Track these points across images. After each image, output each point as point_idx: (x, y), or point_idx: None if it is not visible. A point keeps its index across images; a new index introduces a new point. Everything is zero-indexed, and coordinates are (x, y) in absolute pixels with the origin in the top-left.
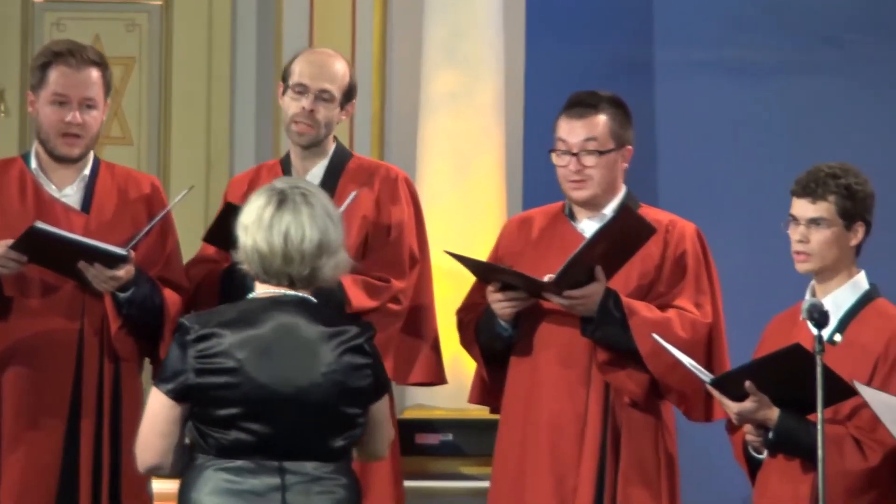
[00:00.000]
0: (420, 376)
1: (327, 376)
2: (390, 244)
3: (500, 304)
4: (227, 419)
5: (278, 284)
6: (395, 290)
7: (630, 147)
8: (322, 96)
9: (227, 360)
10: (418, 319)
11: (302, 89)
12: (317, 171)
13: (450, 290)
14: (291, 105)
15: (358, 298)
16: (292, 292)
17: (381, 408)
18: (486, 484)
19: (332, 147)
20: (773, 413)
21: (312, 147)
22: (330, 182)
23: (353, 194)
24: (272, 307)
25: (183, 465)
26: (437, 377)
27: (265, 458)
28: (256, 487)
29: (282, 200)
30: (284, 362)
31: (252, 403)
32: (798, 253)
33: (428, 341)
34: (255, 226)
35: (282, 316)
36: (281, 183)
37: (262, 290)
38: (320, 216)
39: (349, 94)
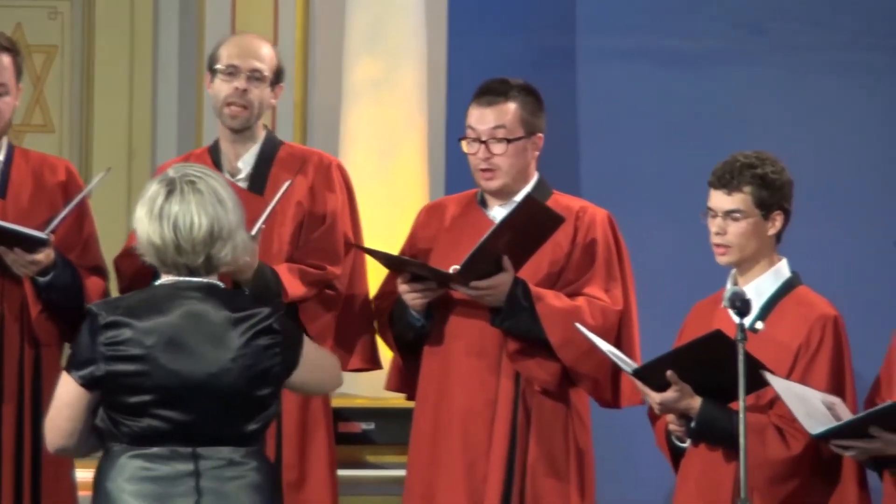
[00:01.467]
0: (359, 363)
1: (237, 361)
2: (325, 231)
3: (411, 295)
4: (138, 406)
5: (178, 274)
6: (331, 278)
7: (541, 135)
8: (254, 75)
9: (135, 347)
10: (354, 306)
11: (233, 70)
12: (248, 158)
13: (372, 277)
14: (223, 88)
15: (294, 287)
16: (197, 278)
17: (300, 373)
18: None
19: (262, 134)
20: (696, 402)
21: (244, 131)
22: (262, 170)
23: (286, 184)
24: (180, 294)
25: (91, 447)
26: (373, 363)
27: (178, 444)
28: (170, 474)
29: (170, 190)
30: (193, 349)
31: (163, 390)
32: (717, 245)
33: (364, 327)
34: (146, 218)
35: (190, 302)
36: (173, 171)
37: (167, 277)
38: (210, 202)
39: (278, 75)
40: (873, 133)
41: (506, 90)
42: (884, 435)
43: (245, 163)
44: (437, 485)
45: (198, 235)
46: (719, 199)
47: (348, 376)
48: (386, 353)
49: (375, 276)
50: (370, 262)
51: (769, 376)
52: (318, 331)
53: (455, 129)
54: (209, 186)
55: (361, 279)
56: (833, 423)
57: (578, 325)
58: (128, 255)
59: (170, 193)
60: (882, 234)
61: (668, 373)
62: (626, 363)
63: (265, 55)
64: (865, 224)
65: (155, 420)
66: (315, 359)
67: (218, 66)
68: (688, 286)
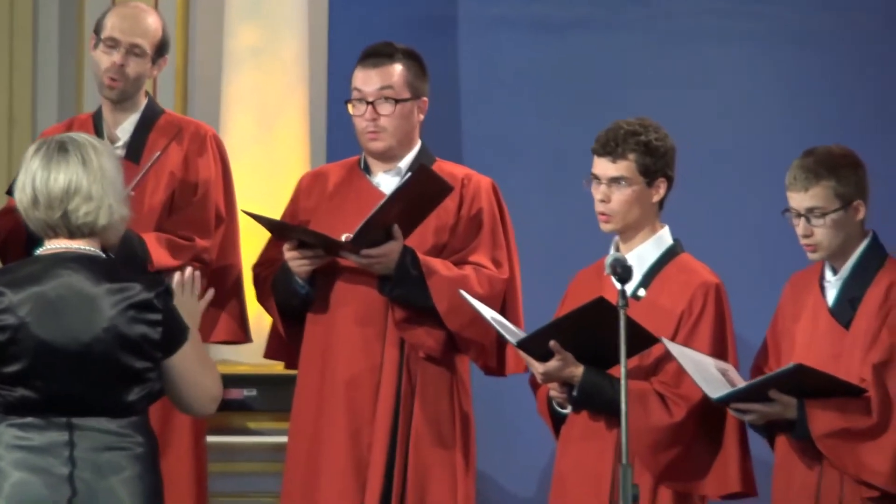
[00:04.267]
0: (222, 335)
1: (109, 331)
2: (196, 203)
3: (297, 261)
4: (11, 376)
5: (47, 236)
6: (199, 249)
7: (426, 99)
8: (133, 51)
9: (9, 316)
10: (223, 278)
11: (113, 43)
12: (127, 126)
13: (253, 247)
14: (103, 59)
15: (160, 257)
16: (76, 246)
17: (182, 362)
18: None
19: (143, 102)
20: (578, 370)
21: (123, 101)
22: (139, 138)
23: (156, 155)
24: (57, 263)
25: None
26: (240, 336)
27: (54, 414)
28: (44, 444)
29: (38, 148)
30: (67, 318)
31: (35, 360)
32: (601, 213)
33: (233, 300)
34: (21, 176)
35: (65, 272)
36: (55, 136)
37: (49, 245)
38: (73, 162)
39: (161, 49)
40: (753, 100)
41: (391, 52)
42: (783, 398)
43: (123, 131)
44: (321, 452)
45: (53, 189)
46: (603, 166)
47: (231, 345)
48: (264, 321)
49: (251, 248)
50: (244, 234)
51: (667, 342)
52: None
53: (336, 96)
54: (79, 148)
55: (233, 252)
56: (729, 388)
57: (465, 294)
58: (4, 213)
59: (37, 151)
60: (762, 200)
61: (552, 343)
62: (511, 332)
63: (148, 30)
64: (746, 190)
65: (28, 390)
66: (195, 364)
67: (101, 36)
68: (570, 253)
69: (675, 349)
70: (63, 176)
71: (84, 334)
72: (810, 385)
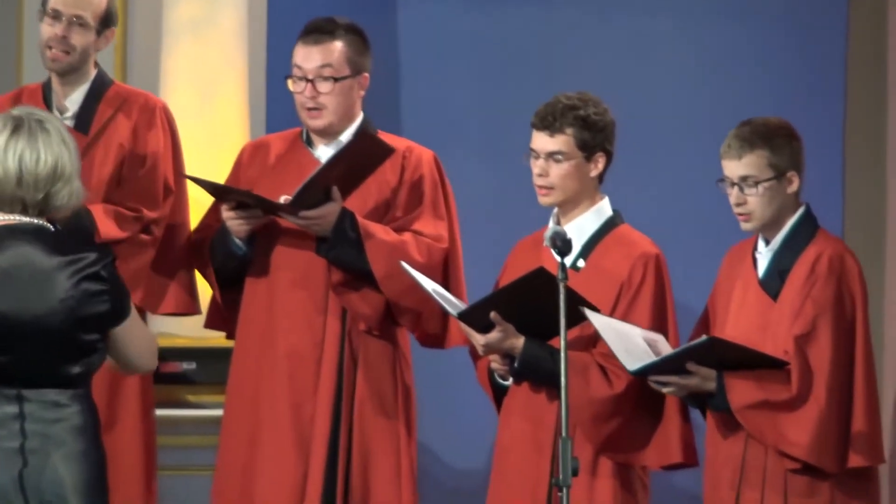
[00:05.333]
0: (171, 307)
1: (64, 303)
2: (144, 174)
3: (235, 221)
4: None
5: (11, 211)
6: (147, 221)
7: (367, 74)
8: (77, 21)
9: None
10: (172, 250)
11: (56, 14)
12: (76, 97)
13: (196, 219)
14: (46, 30)
15: (107, 228)
16: (27, 219)
17: (127, 328)
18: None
19: (93, 73)
20: (519, 342)
21: (70, 74)
22: (88, 109)
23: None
24: (8, 236)
25: None
26: (188, 308)
27: (4, 386)
28: None
29: (17, 126)
30: (20, 291)
31: None
32: (540, 187)
33: (182, 272)
34: None
35: (18, 245)
36: (18, 110)
37: (1, 217)
38: (56, 142)
39: (106, 20)
40: (691, 71)
41: (332, 29)
42: (700, 370)
43: (73, 102)
44: (262, 425)
45: (42, 171)
46: (542, 141)
47: (170, 317)
48: (206, 291)
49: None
50: (193, 207)
51: (589, 313)
52: (131, 273)
53: (276, 69)
54: (55, 127)
55: (183, 224)
56: (651, 359)
57: (405, 266)
58: None
59: (17, 129)
60: (704, 172)
61: (492, 314)
62: (452, 304)
63: (91, 2)
64: (684, 161)
65: None
66: (137, 328)
67: (45, 8)
68: (511, 224)
69: (598, 319)
70: (51, 157)
71: (38, 307)
72: (730, 357)
